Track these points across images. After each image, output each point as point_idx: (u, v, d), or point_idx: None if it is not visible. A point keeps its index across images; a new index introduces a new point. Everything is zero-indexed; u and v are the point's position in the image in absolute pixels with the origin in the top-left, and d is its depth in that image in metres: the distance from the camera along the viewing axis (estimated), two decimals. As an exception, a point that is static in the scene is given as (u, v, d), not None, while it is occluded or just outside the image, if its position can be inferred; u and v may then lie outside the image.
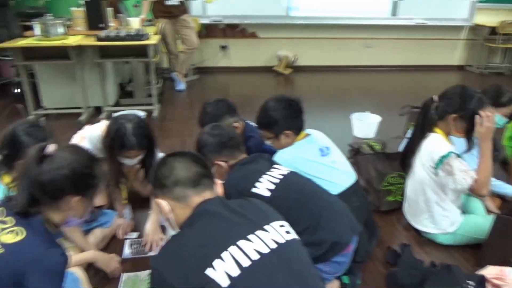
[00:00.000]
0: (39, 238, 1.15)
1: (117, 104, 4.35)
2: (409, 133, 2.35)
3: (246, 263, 1.03)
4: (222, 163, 1.77)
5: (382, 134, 3.47)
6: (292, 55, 6.02)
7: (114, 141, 1.91)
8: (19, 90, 4.82)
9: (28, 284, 1.08)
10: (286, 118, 1.94)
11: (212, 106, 2.23)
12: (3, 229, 1.13)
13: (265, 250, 1.07)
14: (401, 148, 2.63)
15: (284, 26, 6.05)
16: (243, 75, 5.98)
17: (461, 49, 6.61)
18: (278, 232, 1.15)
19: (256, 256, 1.05)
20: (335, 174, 1.93)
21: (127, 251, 2.06)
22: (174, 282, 1.04)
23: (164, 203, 1.23)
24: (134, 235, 2.18)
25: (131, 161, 2.01)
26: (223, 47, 6.04)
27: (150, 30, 4.23)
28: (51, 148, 1.21)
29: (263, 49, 6.14)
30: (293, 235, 1.20)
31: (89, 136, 2.17)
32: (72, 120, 3.82)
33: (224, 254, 1.04)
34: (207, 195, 1.23)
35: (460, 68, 6.66)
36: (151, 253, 2.03)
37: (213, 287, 1.00)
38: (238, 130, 2.21)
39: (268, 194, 1.60)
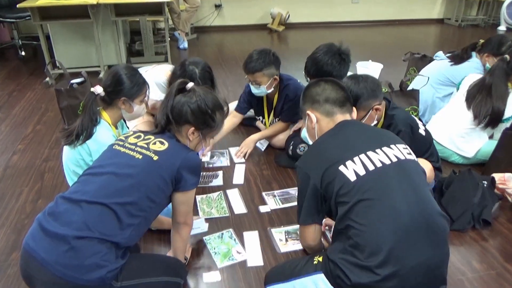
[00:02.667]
0: (178, 145, 1.46)
1: (127, 62, 4.49)
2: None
3: (371, 167, 1.32)
4: (380, 106, 1.83)
5: (381, 80, 3.81)
6: (285, 12, 6.22)
7: None
8: (23, 53, 4.87)
9: (182, 178, 1.41)
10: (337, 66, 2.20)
11: (263, 56, 2.39)
12: (150, 142, 1.43)
13: (387, 162, 1.34)
14: (414, 86, 3.02)
15: (276, -17, 6.21)
16: (239, 34, 6.15)
17: (440, 3, 6.99)
18: (401, 151, 1.40)
19: (379, 164, 1.33)
20: None
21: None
22: (312, 176, 1.37)
23: (312, 115, 1.53)
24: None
25: None
26: (218, 6, 6.16)
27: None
28: (189, 84, 1.49)
29: (256, 7, 6.30)
30: (413, 157, 1.43)
31: (156, 82, 2.37)
32: (92, 79, 3.96)
33: (355, 159, 1.34)
34: (347, 116, 1.52)
35: (439, 21, 7.06)
36: (211, 184, 2.33)
37: (343, 180, 1.31)
38: (276, 81, 2.48)
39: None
